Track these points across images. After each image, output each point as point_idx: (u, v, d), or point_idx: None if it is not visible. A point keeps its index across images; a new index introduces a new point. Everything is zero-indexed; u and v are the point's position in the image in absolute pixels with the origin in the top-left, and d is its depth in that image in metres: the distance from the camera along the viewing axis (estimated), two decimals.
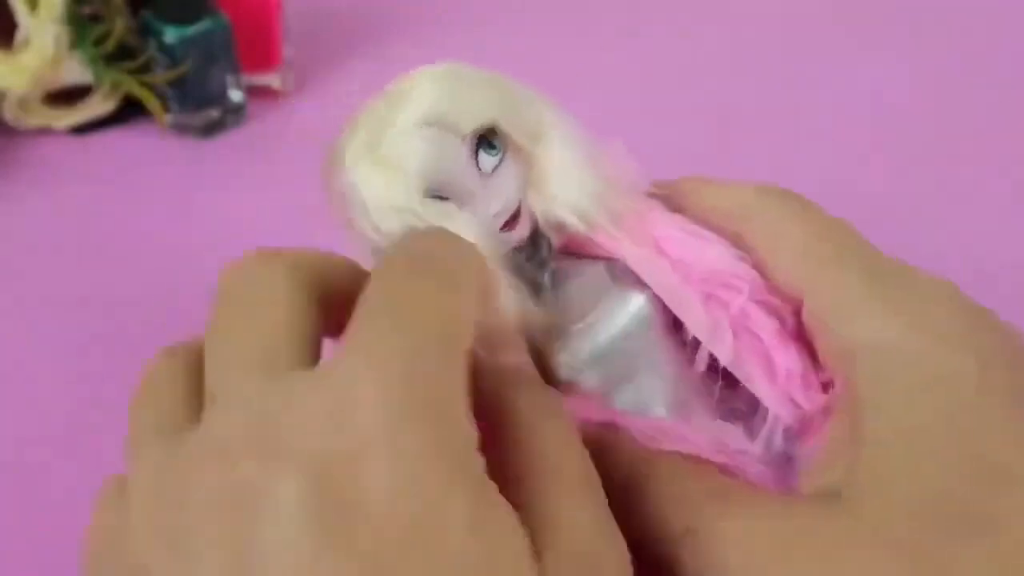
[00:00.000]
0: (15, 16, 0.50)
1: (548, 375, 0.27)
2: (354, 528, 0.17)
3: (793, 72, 0.60)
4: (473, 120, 0.27)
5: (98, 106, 0.54)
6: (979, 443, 0.21)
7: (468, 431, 0.19)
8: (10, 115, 0.53)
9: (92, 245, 0.48)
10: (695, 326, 0.26)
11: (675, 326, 0.27)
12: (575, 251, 0.28)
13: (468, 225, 0.26)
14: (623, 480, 0.23)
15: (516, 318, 0.27)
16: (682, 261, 0.27)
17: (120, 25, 0.52)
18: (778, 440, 0.25)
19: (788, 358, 0.26)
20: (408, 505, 0.17)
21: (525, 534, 0.18)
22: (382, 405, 0.17)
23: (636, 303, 0.27)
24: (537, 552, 0.19)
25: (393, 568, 0.17)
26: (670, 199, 0.29)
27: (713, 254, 0.27)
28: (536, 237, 0.28)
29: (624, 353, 0.27)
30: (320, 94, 0.58)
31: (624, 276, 0.27)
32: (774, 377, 0.26)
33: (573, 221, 0.27)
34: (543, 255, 0.28)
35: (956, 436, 0.21)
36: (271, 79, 0.57)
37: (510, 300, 0.27)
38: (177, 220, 0.49)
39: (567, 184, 0.28)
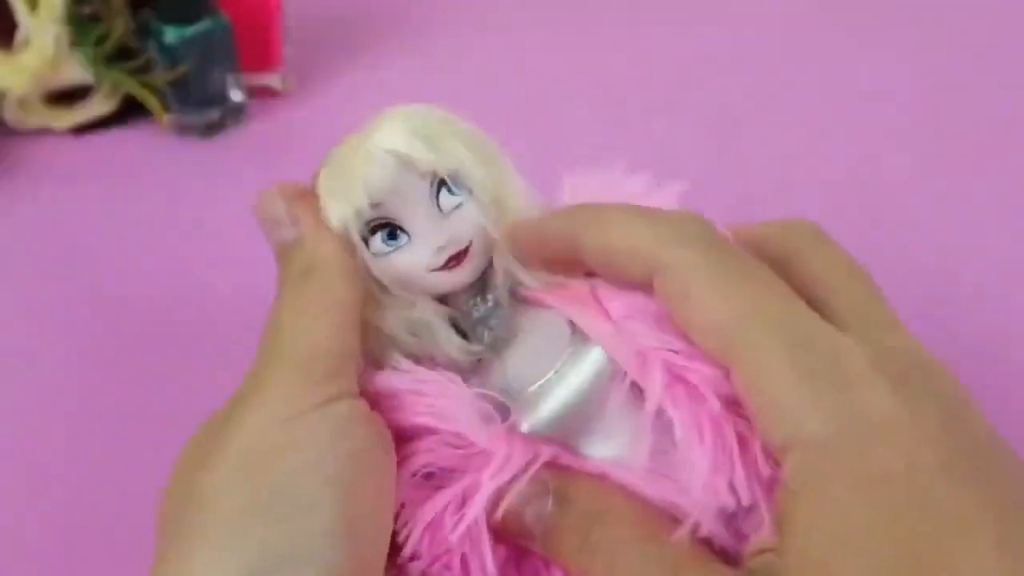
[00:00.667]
0: (15, 16, 0.50)
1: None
2: None
3: (793, 72, 0.60)
4: (431, 166, 0.27)
5: (98, 106, 0.54)
6: (909, 545, 0.20)
7: None
8: (10, 115, 0.53)
9: (92, 245, 0.48)
10: (648, 388, 0.25)
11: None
12: (523, 299, 0.29)
13: (403, 258, 0.27)
14: (576, 529, 0.25)
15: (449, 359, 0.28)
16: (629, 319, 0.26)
17: (120, 25, 0.52)
18: (713, 524, 0.25)
19: (719, 450, 0.25)
20: None
21: None
22: None
23: (594, 355, 0.27)
24: None
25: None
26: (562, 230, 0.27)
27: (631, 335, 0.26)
28: (486, 286, 0.29)
29: (588, 408, 0.27)
30: (320, 94, 0.58)
31: (577, 328, 0.27)
32: (712, 469, 0.25)
33: (530, 282, 0.28)
34: (489, 307, 0.28)
35: (884, 538, 0.20)
36: (271, 79, 0.57)
37: (450, 347, 0.28)
38: (177, 220, 0.49)
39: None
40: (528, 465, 0.25)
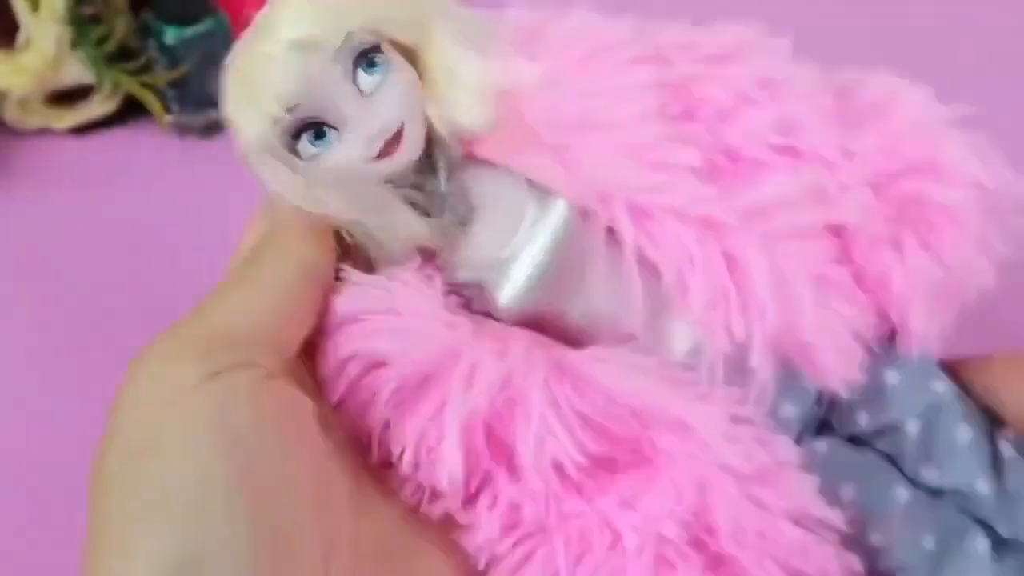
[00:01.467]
0: (16, 16, 0.50)
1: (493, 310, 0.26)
2: None
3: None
4: (339, 31, 0.24)
5: (99, 106, 0.54)
6: None
7: None
8: (11, 115, 0.53)
9: (92, 245, 0.48)
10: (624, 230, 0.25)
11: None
12: (476, 163, 0.27)
13: (336, 156, 0.25)
14: None
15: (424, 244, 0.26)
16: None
17: (121, 26, 0.52)
18: (719, 367, 0.25)
19: (714, 278, 0.25)
20: None
21: None
22: None
23: (559, 210, 0.26)
24: None
25: None
26: None
27: (592, 178, 0.26)
28: (433, 156, 0.26)
29: (563, 266, 0.26)
30: None
31: (536, 183, 0.26)
32: (710, 304, 0.25)
33: (473, 124, 0.26)
34: (441, 176, 0.26)
35: None
36: None
37: (414, 229, 0.26)
38: (177, 220, 0.49)
39: (459, 83, 0.26)
40: (500, 370, 0.24)
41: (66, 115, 0.54)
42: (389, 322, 0.25)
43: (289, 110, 0.25)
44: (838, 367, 0.27)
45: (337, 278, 0.26)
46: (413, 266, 0.26)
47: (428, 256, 0.26)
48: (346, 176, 0.25)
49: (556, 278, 0.26)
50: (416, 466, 0.24)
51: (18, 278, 0.46)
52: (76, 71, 0.52)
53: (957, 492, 0.29)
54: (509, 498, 0.25)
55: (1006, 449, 0.30)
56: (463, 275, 0.26)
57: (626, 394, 0.25)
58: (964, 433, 0.29)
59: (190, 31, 0.51)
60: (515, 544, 0.25)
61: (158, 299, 0.45)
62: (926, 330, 0.28)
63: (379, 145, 0.25)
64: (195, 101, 0.53)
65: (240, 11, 0.53)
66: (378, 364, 0.25)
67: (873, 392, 0.29)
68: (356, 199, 0.26)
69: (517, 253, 0.26)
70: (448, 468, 0.24)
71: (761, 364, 0.26)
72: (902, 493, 0.29)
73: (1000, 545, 0.29)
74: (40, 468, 0.38)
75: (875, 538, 0.28)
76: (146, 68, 0.53)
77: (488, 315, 0.27)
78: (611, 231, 0.26)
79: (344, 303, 0.25)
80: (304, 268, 0.25)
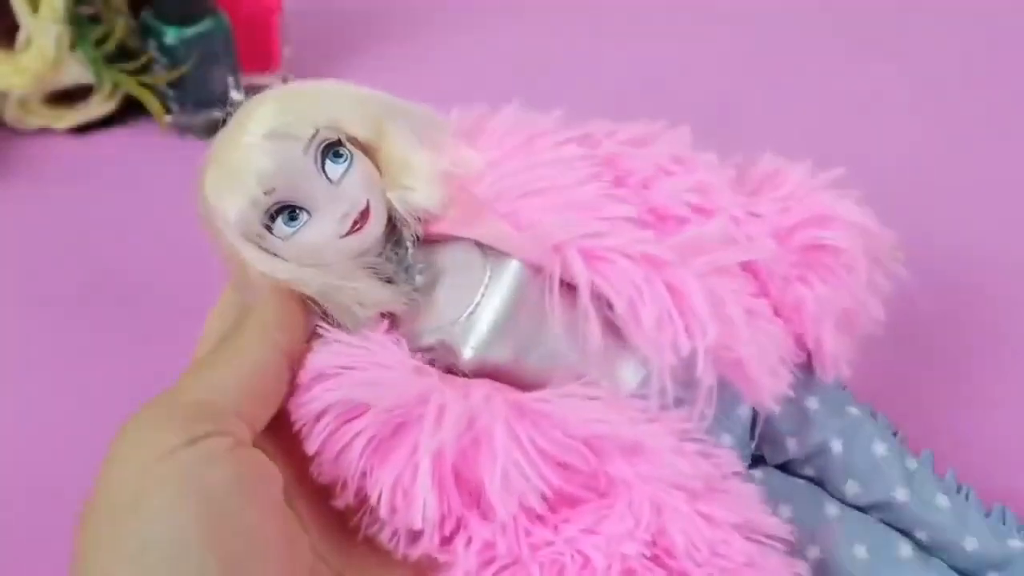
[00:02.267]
0: (16, 17, 0.50)
1: (456, 364, 0.29)
2: None
3: (794, 72, 0.60)
4: (309, 124, 0.29)
5: (99, 107, 0.54)
6: None
7: None
8: (11, 115, 0.53)
9: (92, 244, 0.48)
10: (577, 278, 0.29)
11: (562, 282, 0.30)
12: (435, 239, 0.30)
13: (311, 233, 0.29)
14: None
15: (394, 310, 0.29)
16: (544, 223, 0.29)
17: (121, 26, 0.52)
18: (668, 385, 0.29)
19: (660, 303, 0.29)
20: None
21: None
22: None
23: (513, 269, 0.29)
24: None
25: None
26: None
27: (549, 233, 0.29)
28: (398, 235, 0.30)
29: (521, 318, 0.29)
30: None
31: (491, 249, 0.30)
32: (642, 327, 0.29)
33: (428, 205, 0.30)
34: (406, 249, 0.30)
35: None
36: (271, 80, 0.57)
37: (382, 296, 0.29)
38: (177, 220, 0.49)
39: (414, 171, 0.30)
40: (466, 410, 0.27)
41: (66, 115, 0.54)
42: (364, 374, 0.27)
43: (267, 192, 0.28)
44: (769, 382, 0.31)
45: (315, 334, 0.29)
46: (381, 329, 0.29)
47: (393, 324, 0.29)
48: (321, 252, 0.29)
49: (515, 329, 0.29)
50: (392, 510, 0.27)
51: (18, 277, 0.46)
52: (76, 71, 0.52)
53: (879, 504, 0.33)
54: (483, 537, 0.27)
55: (911, 463, 0.34)
56: (426, 340, 0.29)
57: (581, 424, 0.27)
58: (880, 450, 0.33)
59: (189, 31, 0.51)
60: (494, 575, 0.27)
61: (158, 298, 0.45)
62: (837, 352, 0.33)
63: (349, 223, 0.29)
64: (194, 101, 0.53)
65: (239, 11, 0.53)
66: (353, 415, 0.27)
67: (798, 419, 0.33)
68: (327, 272, 0.29)
69: (478, 311, 0.29)
70: (422, 506, 0.26)
71: (705, 374, 0.29)
72: (832, 510, 0.33)
73: (922, 550, 0.33)
74: (38, 465, 0.38)
75: (813, 552, 0.31)
76: (145, 68, 0.53)
77: (450, 371, 0.29)
78: (566, 285, 0.29)
79: (320, 359, 0.28)
80: (278, 350, 0.27)
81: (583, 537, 0.27)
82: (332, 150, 0.29)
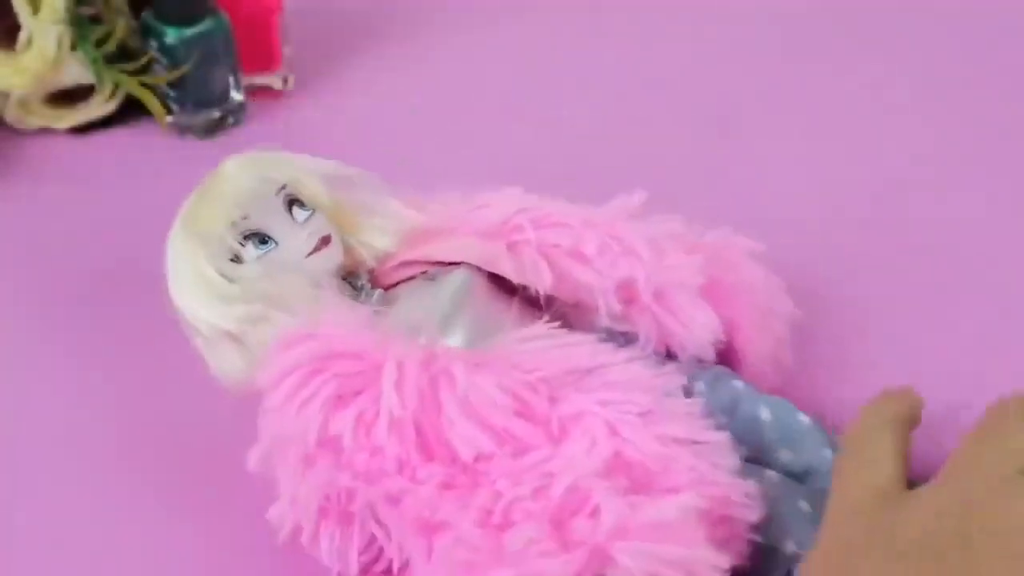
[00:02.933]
0: (17, 17, 0.50)
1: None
2: None
3: (794, 71, 0.60)
4: (279, 177, 0.36)
5: (99, 107, 0.54)
6: None
7: None
8: (12, 115, 0.53)
9: (92, 245, 0.48)
10: (511, 274, 0.34)
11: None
12: (394, 282, 0.37)
13: (280, 251, 0.35)
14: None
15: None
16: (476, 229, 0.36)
17: (121, 26, 0.52)
18: (615, 321, 0.34)
19: (600, 237, 0.35)
20: None
21: None
22: None
23: (459, 275, 0.35)
24: None
25: None
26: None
27: (496, 216, 0.36)
28: (355, 275, 0.37)
29: (468, 313, 0.34)
30: (320, 94, 0.58)
31: (440, 272, 0.35)
32: (588, 260, 0.34)
33: (385, 246, 0.37)
34: (362, 284, 0.37)
35: None
36: (271, 79, 0.57)
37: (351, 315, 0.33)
38: None
39: (368, 222, 0.38)
40: (425, 356, 0.31)
41: (66, 115, 0.54)
42: (326, 332, 0.31)
43: (244, 217, 0.35)
44: (703, 324, 0.35)
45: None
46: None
47: None
48: (287, 268, 0.35)
49: (466, 321, 0.34)
50: (357, 448, 0.29)
51: (18, 277, 0.46)
52: (76, 71, 0.52)
53: (812, 470, 0.34)
54: (440, 477, 0.29)
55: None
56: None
57: (537, 363, 0.31)
58: (805, 418, 0.35)
59: (190, 32, 0.51)
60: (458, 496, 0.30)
61: (158, 298, 0.45)
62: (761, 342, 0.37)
63: (315, 241, 0.36)
64: (195, 101, 0.53)
65: (239, 11, 0.53)
66: (316, 371, 0.30)
67: (730, 395, 0.35)
68: (293, 287, 0.34)
69: (436, 314, 0.34)
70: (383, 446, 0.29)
71: (645, 294, 0.34)
72: (772, 474, 0.34)
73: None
74: (38, 461, 0.38)
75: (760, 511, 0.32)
76: (146, 68, 0.53)
77: None
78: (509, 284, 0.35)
79: (287, 329, 0.32)
80: None
81: (545, 462, 0.29)
82: (297, 202, 0.36)
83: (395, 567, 0.31)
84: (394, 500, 0.29)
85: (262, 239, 0.35)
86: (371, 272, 0.37)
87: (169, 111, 0.54)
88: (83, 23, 0.52)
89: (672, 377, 0.32)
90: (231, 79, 0.54)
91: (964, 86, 0.59)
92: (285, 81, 0.57)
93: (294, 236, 0.35)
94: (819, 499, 0.33)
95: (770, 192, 0.51)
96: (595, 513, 0.28)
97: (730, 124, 0.56)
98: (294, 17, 0.58)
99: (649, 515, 0.27)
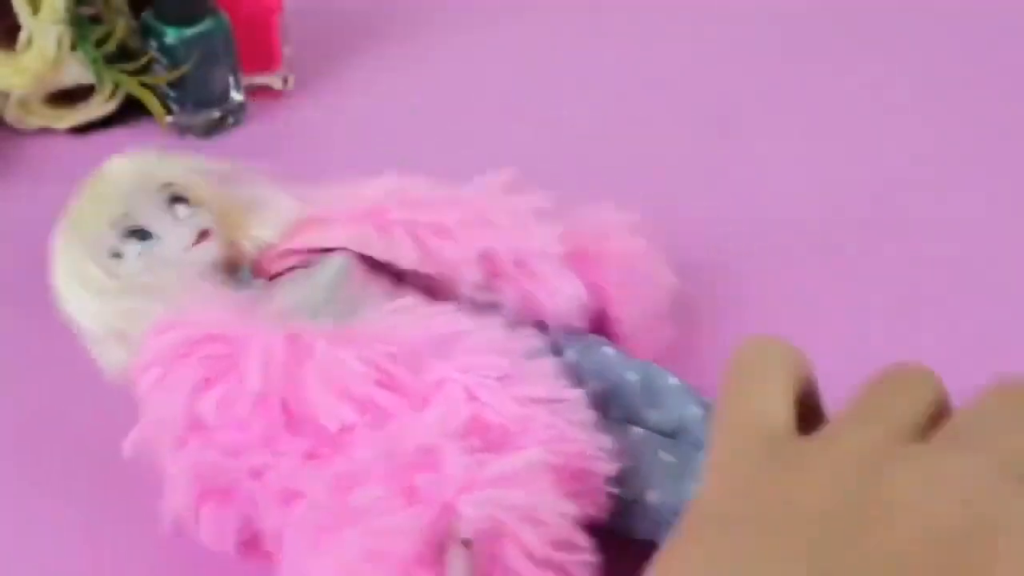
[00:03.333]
0: (17, 17, 0.50)
1: None
2: None
3: (794, 71, 0.60)
4: (164, 175, 0.37)
5: (99, 107, 0.54)
6: None
7: None
8: (12, 115, 0.53)
9: None
10: (381, 254, 0.36)
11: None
12: (277, 272, 0.38)
13: (161, 245, 0.36)
14: None
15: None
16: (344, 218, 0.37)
17: (121, 26, 0.52)
18: (479, 292, 0.35)
19: (464, 211, 0.36)
20: None
21: None
22: None
23: (335, 260, 0.36)
24: None
25: None
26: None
27: (368, 201, 0.37)
28: (238, 267, 0.38)
29: (344, 296, 0.35)
30: (320, 94, 0.58)
31: (318, 259, 0.36)
32: (450, 234, 0.35)
33: (268, 237, 0.38)
34: (244, 276, 0.38)
35: None
36: (271, 79, 0.57)
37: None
38: None
39: (256, 217, 0.39)
40: (289, 334, 0.32)
41: (67, 115, 0.54)
42: (193, 318, 0.33)
43: (124, 215, 0.37)
44: (567, 292, 0.36)
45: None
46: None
47: None
48: (169, 261, 0.36)
49: (349, 304, 0.35)
50: (222, 424, 0.31)
51: (18, 277, 0.46)
52: (76, 71, 0.52)
53: (683, 428, 0.35)
54: (303, 448, 0.31)
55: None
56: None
57: (398, 335, 0.32)
58: (674, 380, 0.36)
59: (190, 32, 0.51)
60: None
61: None
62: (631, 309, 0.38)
63: (196, 234, 0.37)
64: (195, 101, 0.53)
65: (239, 11, 0.53)
66: (184, 355, 0.32)
67: (598, 364, 0.36)
68: (172, 280, 0.35)
69: (311, 300, 0.35)
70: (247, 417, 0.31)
71: (507, 263, 0.36)
72: (637, 430, 0.35)
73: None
74: (41, 457, 0.38)
75: (621, 463, 0.33)
76: (146, 68, 0.53)
77: None
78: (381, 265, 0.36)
79: (161, 317, 0.33)
80: None
81: (410, 423, 0.30)
82: (181, 200, 0.37)
83: (269, 544, 0.32)
84: (257, 474, 0.31)
85: (143, 235, 0.36)
86: (254, 264, 0.38)
87: (169, 111, 0.54)
88: (83, 23, 0.52)
89: (529, 340, 0.33)
90: (231, 79, 0.54)
91: (964, 86, 0.59)
92: (285, 81, 0.57)
93: (175, 232, 0.37)
94: (689, 452, 0.34)
95: (770, 192, 0.51)
96: (442, 470, 0.29)
97: (730, 124, 0.56)
98: (294, 17, 0.58)
99: (495, 469, 0.29)
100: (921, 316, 0.44)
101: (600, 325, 0.38)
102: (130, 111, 0.54)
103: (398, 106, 0.57)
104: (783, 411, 0.22)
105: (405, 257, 0.36)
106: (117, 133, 0.55)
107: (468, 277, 0.35)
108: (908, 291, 0.45)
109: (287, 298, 0.35)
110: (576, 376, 0.34)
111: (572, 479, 0.30)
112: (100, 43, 0.52)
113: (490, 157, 0.53)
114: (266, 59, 0.56)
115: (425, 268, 0.36)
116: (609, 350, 0.37)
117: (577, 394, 0.32)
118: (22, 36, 0.51)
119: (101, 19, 0.52)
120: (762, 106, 0.57)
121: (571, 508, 0.29)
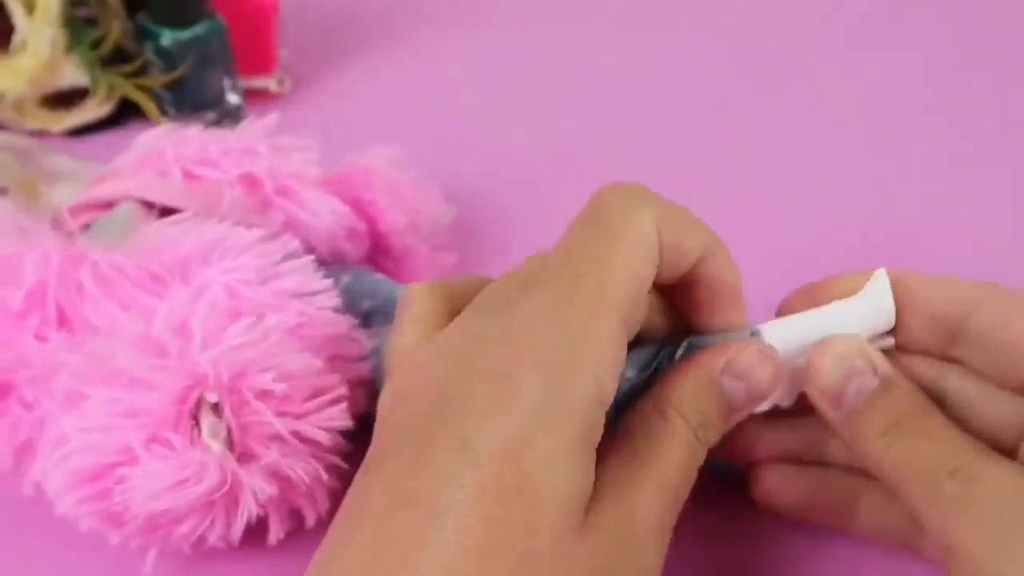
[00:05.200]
0: (12, 19, 0.50)
1: None
2: None
3: (794, 71, 0.60)
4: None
5: (95, 109, 0.54)
6: None
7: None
8: (7, 118, 0.53)
9: None
10: (160, 197, 0.37)
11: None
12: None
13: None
14: (898, 407, 0.28)
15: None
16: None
17: (116, 28, 0.52)
18: (247, 215, 0.37)
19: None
20: None
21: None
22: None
23: (119, 211, 0.37)
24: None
25: None
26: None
27: (144, 149, 0.39)
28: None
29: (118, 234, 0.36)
30: (316, 96, 0.58)
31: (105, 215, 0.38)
32: (214, 163, 0.37)
33: (62, 200, 0.39)
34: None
35: None
36: (267, 82, 0.57)
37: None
38: None
39: (51, 190, 0.40)
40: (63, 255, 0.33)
41: (62, 117, 0.54)
42: None
43: None
44: (328, 210, 0.38)
45: None
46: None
47: None
48: None
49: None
50: None
51: None
52: (72, 74, 0.52)
53: None
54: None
55: None
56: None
57: (171, 246, 0.34)
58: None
59: (186, 34, 0.51)
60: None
61: None
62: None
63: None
64: (191, 104, 0.53)
65: (236, 14, 0.53)
66: None
67: (371, 281, 0.38)
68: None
69: (101, 241, 0.35)
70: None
71: (268, 187, 0.38)
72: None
73: None
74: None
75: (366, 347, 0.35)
76: (142, 71, 0.53)
77: None
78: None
79: None
80: None
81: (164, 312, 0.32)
82: None
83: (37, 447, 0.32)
84: (27, 364, 0.32)
85: None
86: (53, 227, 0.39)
87: (165, 114, 0.53)
88: (78, 25, 0.51)
89: (286, 242, 0.35)
90: (227, 82, 0.53)
91: (965, 86, 0.59)
92: (281, 84, 0.57)
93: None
94: None
95: (770, 192, 0.51)
96: (192, 337, 0.30)
97: (730, 124, 0.56)
98: (290, 20, 0.58)
99: (241, 328, 0.31)
100: None
101: (376, 252, 0.42)
102: (126, 113, 0.54)
103: (394, 109, 0.57)
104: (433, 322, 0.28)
105: (175, 193, 0.37)
106: (113, 135, 0.54)
107: (228, 198, 0.37)
108: None
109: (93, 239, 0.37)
110: (349, 297, 0.36)
111: (328, 363, 0.33)
112: (95, 45, 0.52)
113: (489, 158, 0.53)
114: (262, 62, 0.56)
115: (194, 200, 0.37)
116: (382, 275, 0.39)
117: (327, 283, 0.34)
118: (16, 38, 0.51)
119: (96, 21, 0.52)
120: (762, 106, 0.57)
121: (308, 360, 0.31)
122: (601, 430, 0.25)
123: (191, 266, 0.33)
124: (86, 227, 0.38)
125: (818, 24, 0.66)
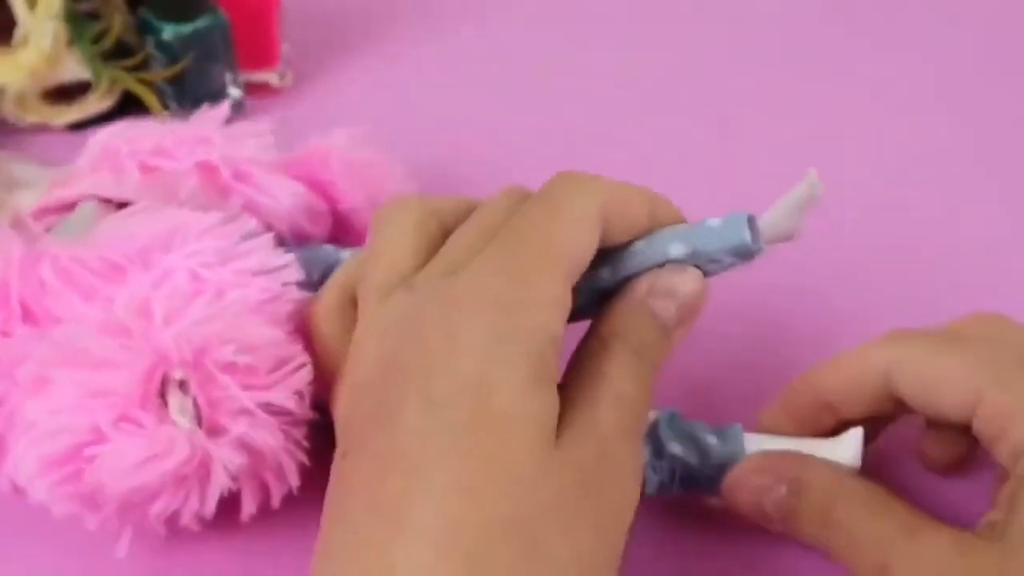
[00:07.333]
0: (14, 13, 0.50)
1: None
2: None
3: (795, 70, 0.60)
4: None
5: (96, 103, 0.54)
6: None
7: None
8: (8, 112, 0.53)
9: None
10: (114, 192, 0.37)
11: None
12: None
13: None
14: (816, 508, 0.30)
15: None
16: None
17: (118, 22, 0.52)
18: (208, 199, 0.37)
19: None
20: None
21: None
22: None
23: (80, 210, 0.37)
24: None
25: None
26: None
27: (99, 147, 0.39)
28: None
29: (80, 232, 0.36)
30: (318, 91, 0.58)
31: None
32: (169, 153, 0.38)
33: (25, 205, 0.39)
34: None
35: None
36: (269, 76, 0.57)
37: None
38: None
39: (13, 196, 0.40)
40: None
41: (64, 112, 0.54)
42: None
43: None
44: (287, 192, 0.39)
45: None
46: None
47: None
48: None
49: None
50: None
51: None
52: (73, 68, 0.52)
53: None
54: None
55: None
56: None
57: (132, 234, 0.34)
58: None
59: (187, 28, 0.51)
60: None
61: None
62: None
63: None
64: (193, 98, 0.53)
65: (238, 8, 0.53)
66: None
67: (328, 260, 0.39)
68: None
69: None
70: None
71: (225, 173, 0.38)
72: None
73: None
74: None
75: None
76: (143, 65, 0.53)
77: None
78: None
79: None
80: None
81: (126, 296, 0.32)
82: None
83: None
84: None
85: None
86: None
87: (167, 108, 0.54)
88: (80, 19, 0.51)
89: (244, 222, 0.35)
90: (229, 76, 0.53)
91: (965, 86, 0.59)
92: (283, 78, 0.57)
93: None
94: None
95: (770, 192, 0.51)
96: (154, 317, 0.30)
97: (730, 124, 0.56)
98: (292, 14, 0.58)
99: (202, 303, 0.31)
100: (922, 316, 0.44)
101: (339, 232, 0.42)
102: (127, 107, 0.54)
103: (396, 104, 0.57)
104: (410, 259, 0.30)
105: (132, 187, 0.37)
106: None
107: (185, 187, 0.37)
108: (908, 291, 0.45)
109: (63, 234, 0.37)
110: (307, 271, 0.36)
111: (293, 334, 0.33)
112: (97, 39, 0.52)
113: (489, 157, 0.53)
114: (264, 56, 0.56)
115: (152, 192, 0.37)
116: (345, 253, 0.39)
117: (290, 258, 0.34)
118: (18, 32, 0.51)
119: (98, 15, 0.52)
120: (762, 106, 0.57)
121: (281, 334, 0.32)
122: (556, 366, 0.26)
123: (152, 254, 0.34)
124: (49, 231, 0.38)
125: (818, 24, 0.65)
